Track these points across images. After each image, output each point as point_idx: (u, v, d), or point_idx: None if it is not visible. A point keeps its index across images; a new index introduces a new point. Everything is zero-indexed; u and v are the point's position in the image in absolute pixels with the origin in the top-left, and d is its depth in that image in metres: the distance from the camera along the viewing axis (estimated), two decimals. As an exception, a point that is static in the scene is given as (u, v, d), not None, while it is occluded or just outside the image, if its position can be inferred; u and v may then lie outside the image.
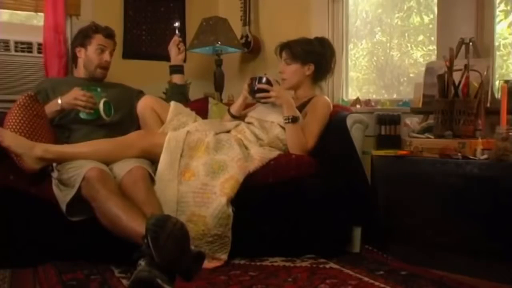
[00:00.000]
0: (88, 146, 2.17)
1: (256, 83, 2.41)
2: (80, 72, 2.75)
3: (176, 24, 2.90)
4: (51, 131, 2.36)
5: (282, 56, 2.65)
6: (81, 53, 2.72)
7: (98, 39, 2.69)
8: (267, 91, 2.39)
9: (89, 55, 2.69)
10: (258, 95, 2.41)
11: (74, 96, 2.40)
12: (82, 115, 2.46)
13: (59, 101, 2.41)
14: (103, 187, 1.93)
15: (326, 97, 2.62)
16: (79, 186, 1.98)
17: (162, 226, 1.58)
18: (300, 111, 2.49)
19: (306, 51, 2.60)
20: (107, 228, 1.91)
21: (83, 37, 2.71)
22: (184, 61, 2.87)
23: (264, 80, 2.41)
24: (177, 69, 2.81)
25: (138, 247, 1.67)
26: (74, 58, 2.77)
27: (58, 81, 2.74)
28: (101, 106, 2.43)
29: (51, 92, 2.57)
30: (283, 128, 2.42)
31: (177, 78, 2.81)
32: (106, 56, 2.70)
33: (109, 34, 2.74)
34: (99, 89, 2.49)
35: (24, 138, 2.14)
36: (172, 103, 2.52)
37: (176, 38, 2.80)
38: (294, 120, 2.38)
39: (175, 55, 2.79)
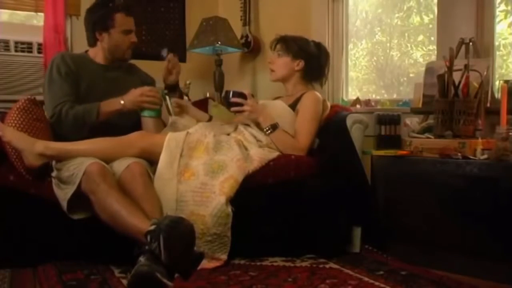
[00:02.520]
0: (88, 143, 2.16)
1: (231, 96, 2.44)
2: (98, 54, 2.52)
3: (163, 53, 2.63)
4: (51, 134, 2.33)
5: (275, 49, 2.69)
6: (103, 37, 2.46)
7: (120, 20, 2.44)
8: (241, 104, 2.42)
9: (115, 39, 2.45)
10: (232, 108, 2.45)
11: (140, 93, 2.33)
12: (146, 113, 2.41)
13: (122, 101, 2.33)
14: (104, 181, 1.93)
15: (316, 92, 2.60)
16: (79, 182, 1.97)
17: (176, 228, 1.61)
18: (294, 108, 2.52)
19: (300, 47, 2.63)
20: (106, 223, 1.90)
21: (104, 19, 2.43)
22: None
23: (237, 93, 2.44)
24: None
25: (137, 243, 1.68)
26: (93, 41, 2.50)
27: (79, 64, 2.46)
28: (168, 101, 2.43)
29: (75, 73, 2.42)
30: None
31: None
32: (133, 37, 2.50)
33: (130, 10, 2.49)
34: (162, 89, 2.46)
35: (25, 134, 2.14)
36: None
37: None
38: (274, 127, 2.41)
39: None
